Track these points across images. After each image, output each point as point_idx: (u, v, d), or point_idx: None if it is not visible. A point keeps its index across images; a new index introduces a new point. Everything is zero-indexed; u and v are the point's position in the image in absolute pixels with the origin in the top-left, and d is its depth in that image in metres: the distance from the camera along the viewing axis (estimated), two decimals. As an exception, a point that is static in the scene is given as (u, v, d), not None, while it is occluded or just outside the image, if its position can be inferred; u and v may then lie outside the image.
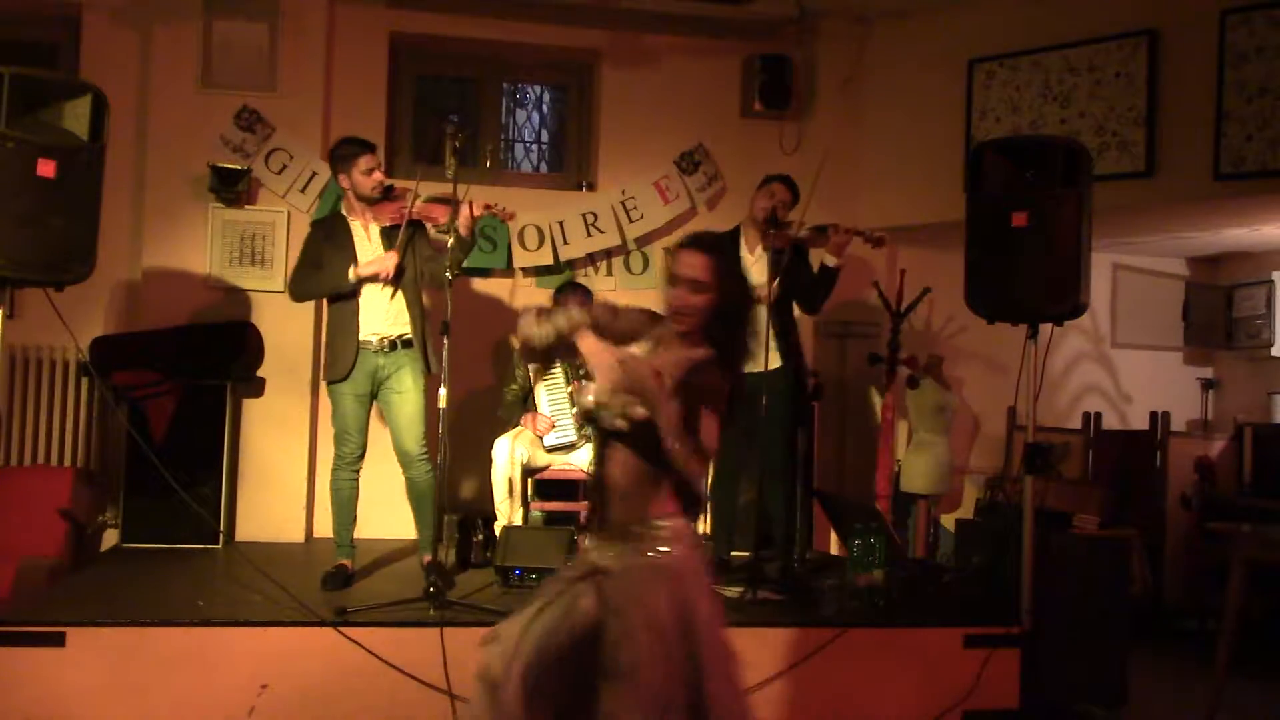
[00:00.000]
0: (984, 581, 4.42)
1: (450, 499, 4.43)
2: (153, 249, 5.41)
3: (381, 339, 4.34)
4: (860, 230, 4.65)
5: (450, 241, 4.05)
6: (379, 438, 4.53)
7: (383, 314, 4.35)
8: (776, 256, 4.53)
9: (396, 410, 4.36)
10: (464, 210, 4.22)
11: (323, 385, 5.55)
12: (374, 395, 4.40)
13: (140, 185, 5.43)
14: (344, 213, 4.48)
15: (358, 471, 4.43)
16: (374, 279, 4.30)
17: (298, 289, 4.53)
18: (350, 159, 4.33)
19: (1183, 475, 5.60)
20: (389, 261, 4.28)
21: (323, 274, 4.38)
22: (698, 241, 2.58)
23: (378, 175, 4.34)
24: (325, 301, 4.58)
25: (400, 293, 4.36)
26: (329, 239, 4.41)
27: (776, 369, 4.51)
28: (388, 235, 4.38)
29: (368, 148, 4.36)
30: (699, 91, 6.04)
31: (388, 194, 4.40)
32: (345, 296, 4.36)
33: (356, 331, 4.33)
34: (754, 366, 4.44)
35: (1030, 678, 3.95)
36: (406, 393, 4.34)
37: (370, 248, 4.37)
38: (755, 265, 4.66)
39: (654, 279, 5.91)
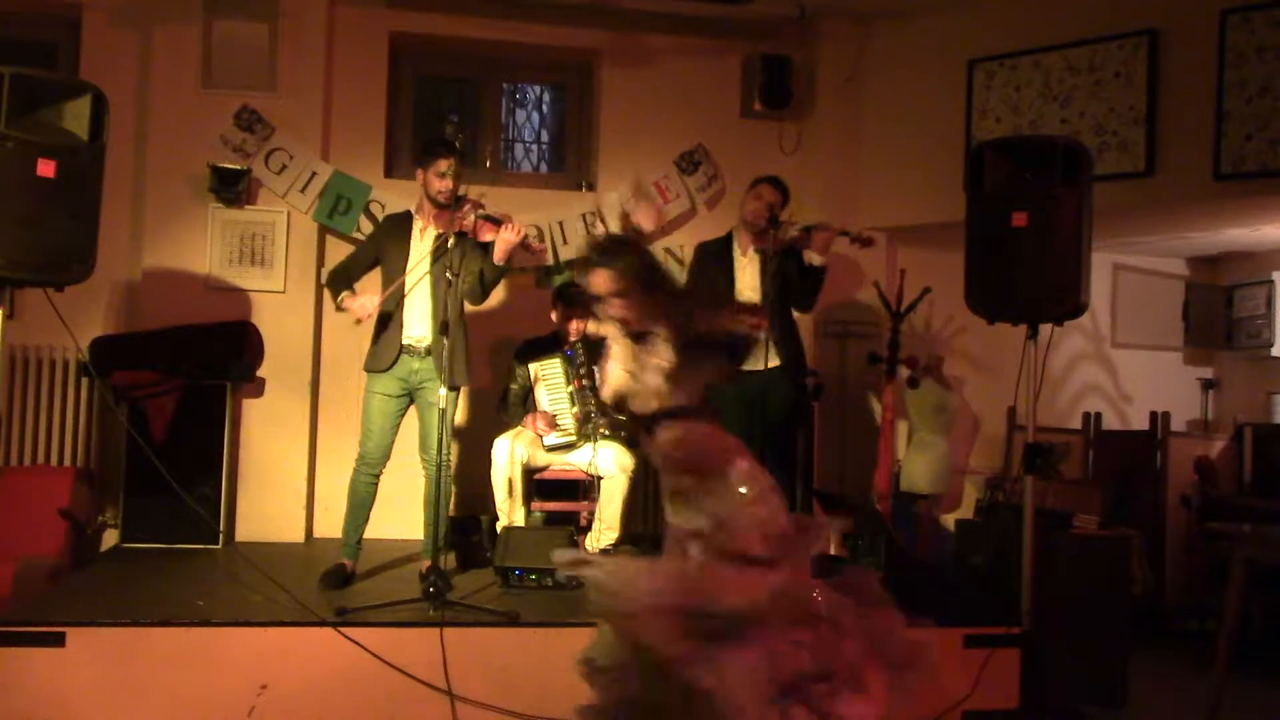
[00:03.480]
0: (984, 581, 4.42)
1: (450, 499, 4.44)
2: (153, 249, 5.42)
3: (424, 344, 4.36)
4: (847, 230, 4.64)
5: (467, 247, 4.07)
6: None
7: (426, 319, 4.36)
8: (770, 260, 4.54)
9: (428, 418, 4.38)
10: (503, 237, 4.24)
11: (323, 385, 5.60)
12: (409, 400, 4.43)
13: (140, 185, 5.43)
14: (413, 210, 4.51)
15: (377, 477, 4.44)
16: (358, 312, 4.35)
17: (327, 281, 4.60)
18: (431, 157, 4.35)
19: (1183, 475, 5.60)
20: (365, 308, 4.31)
21: (339, 280, 4.48)
22: (601, 260, 2.79)
23: (449, 182, 4.29)
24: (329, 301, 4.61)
25: (434, 302, 4.35)
26: (390, 235, 4.48)
27: (775, 369, 4.51)
28: (438, 242, 4.39)
29: (450, 152, 4.32)
30: (699, 91, 6.04)
31: (457, 204, 4.39)
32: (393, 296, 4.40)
33: (400, 331, 4.37)
34: (754, 365, 4.51)
35: (1030, 678, 3.95)
36: (436, 405, 4.33)
37: (421, 249, 4.39)
38: (749, 267, 4.67)
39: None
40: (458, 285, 4.15)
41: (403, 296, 4.36)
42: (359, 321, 4.47)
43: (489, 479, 4.80)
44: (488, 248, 4.31)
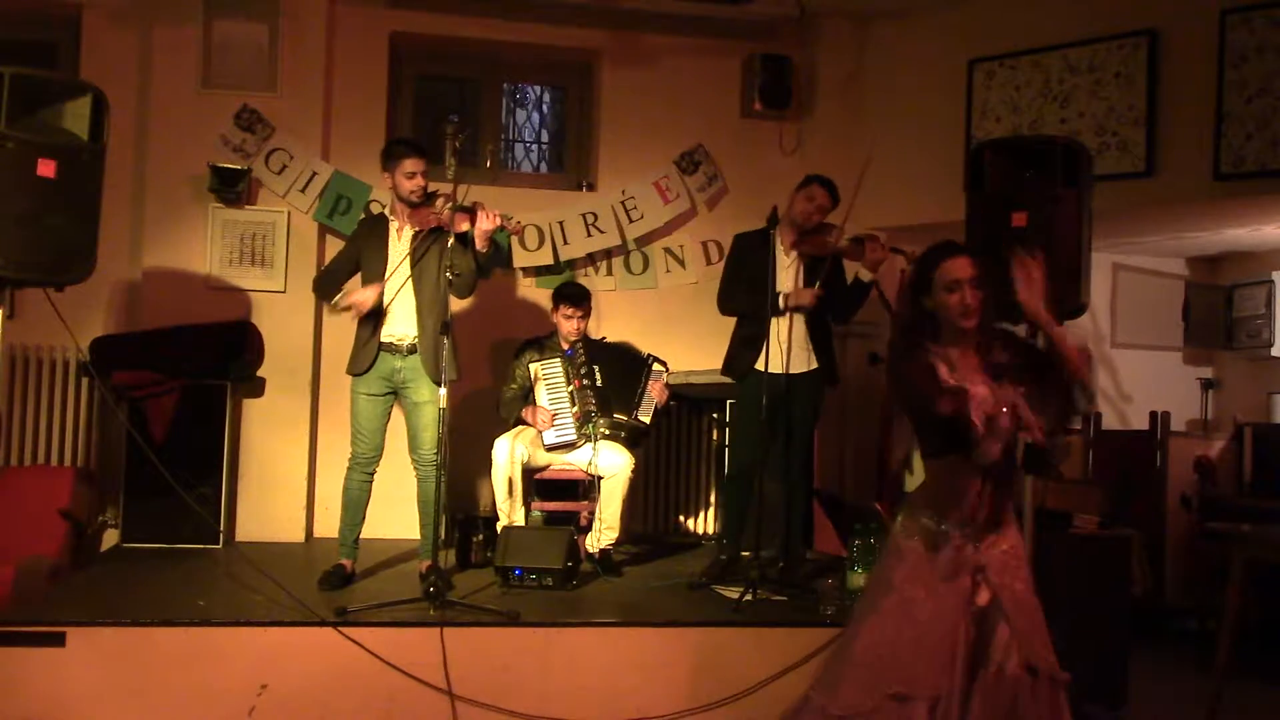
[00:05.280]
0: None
1: (450, 499, 4.44)
2: (153, 249, 5.42)
3: (406, 342, 4.36)
4: (901, 249, 4.53)
5: (450, 242, 4.06)
6: (389, 442, 4.53)
7: (408, 317, 4.36)
8: (814, 264, 4.51)
9: (414, 417, 4.39)
10: (480, 226, 4.24)
11: (323, 385, 5.60)
12: (394, 396, 4.43)
13: (140, 185, 5.43)
14: (387, 213, 4.51)
15: (371, 474, 4.44)
16: (355, 308, 4.34)
17: (314, 287, 4.73)
18: (397, 158, 4.35)
19: (1183, 475, 5.60)
20: (362, 297, 4.32)
21: (325, 285, 4.55)
22: (954, 247, 2.88)
23: (419, 180, 4.33)
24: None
25: (418, 299, 4.36)
26: (367, 239, 4.49)
27: (804, 374, 4.50)
28: (416, 241, 4.39)
29: (415, 150, 4.36)
30: (699, 91, 6.04)
31: (429, 200, 4.40)
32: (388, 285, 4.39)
33: (379, 331, 4.36)
34: (781, 369, 4.47)
35: (1030, 678, 3.94)
36: (424, 404, 4.34)
37: (399, 250, 4.39)
38: (789, 267, 4.55)
39: (653, 279, 5.92)
40: (442, 280, 4.17)
41: (383, 297, 4.36)
42: (358, 316, 4.44)
43: (489, 479, 4.80)
44: (466, 239, 4.28)
